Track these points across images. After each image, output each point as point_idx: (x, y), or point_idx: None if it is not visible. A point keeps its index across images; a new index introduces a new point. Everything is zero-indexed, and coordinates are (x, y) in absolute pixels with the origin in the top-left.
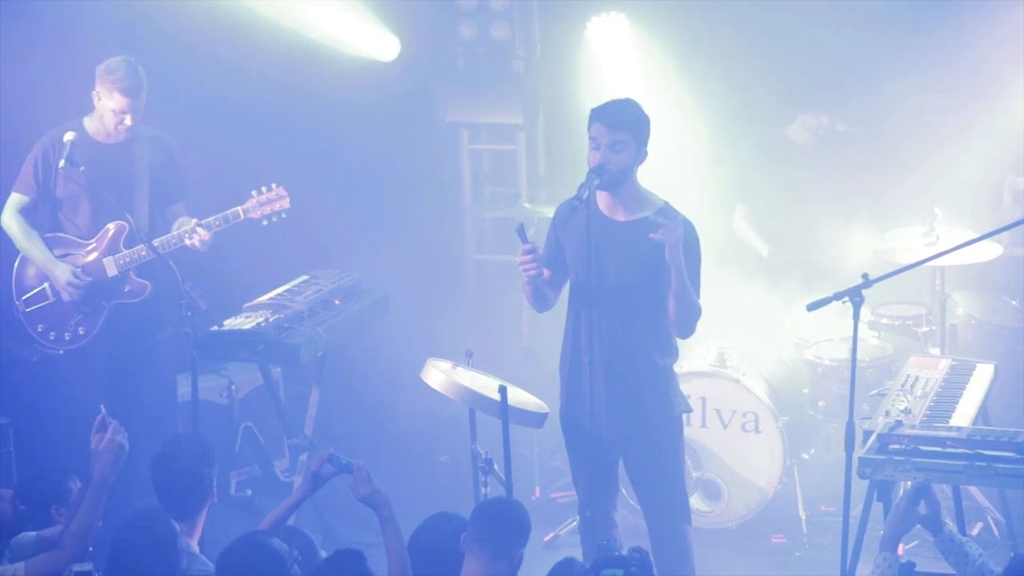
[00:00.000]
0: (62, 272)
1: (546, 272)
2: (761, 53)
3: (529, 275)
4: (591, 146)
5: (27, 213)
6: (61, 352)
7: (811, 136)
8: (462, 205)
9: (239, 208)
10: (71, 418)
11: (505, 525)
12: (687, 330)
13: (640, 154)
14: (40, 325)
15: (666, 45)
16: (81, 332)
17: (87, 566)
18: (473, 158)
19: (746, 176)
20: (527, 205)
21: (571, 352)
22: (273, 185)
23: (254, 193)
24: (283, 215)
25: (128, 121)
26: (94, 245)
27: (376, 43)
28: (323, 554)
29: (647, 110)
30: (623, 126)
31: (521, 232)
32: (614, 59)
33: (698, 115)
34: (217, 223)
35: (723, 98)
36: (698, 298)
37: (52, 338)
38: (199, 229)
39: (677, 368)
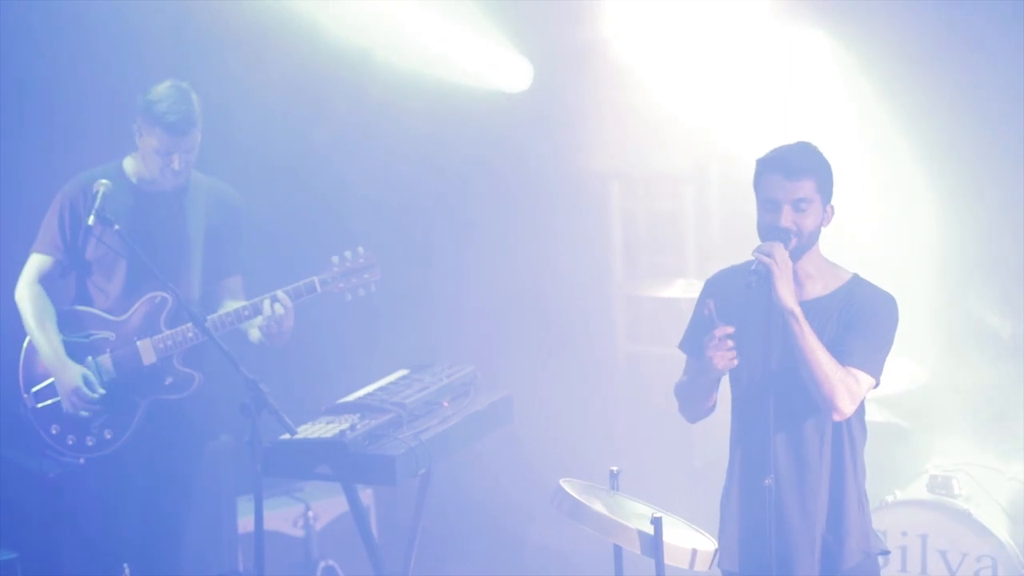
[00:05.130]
0: (71, 377)
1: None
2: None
3: (720, 366)
4: (765, 208)
5: (49, 282)
6: (81, 461)
7: None
8: (611, 280)
9: (315, 279)
10: (93, 550)
11: None
12: (822, 400)
13: (826, 213)
14: (54, 426)
15: (881, 77)
16: (108, 436)
17: None
18: (626, 219)
19: (985, 243)
20: (696, 281)
21: (740, 472)
22: (360, 250)
23: (335, 259)
24: (372, 288)
25: (176, 164)
26: (126, 323)
27: (501, 69)
28: None
29: (849, 153)
30: (806, 173)
31: (713, 308)
32: (811, 89)
33: (926, 164)
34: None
35: (954, 145)
36: (871, 376)
37: (70, 443)
38: (279, 296)
39: (888, 496)
